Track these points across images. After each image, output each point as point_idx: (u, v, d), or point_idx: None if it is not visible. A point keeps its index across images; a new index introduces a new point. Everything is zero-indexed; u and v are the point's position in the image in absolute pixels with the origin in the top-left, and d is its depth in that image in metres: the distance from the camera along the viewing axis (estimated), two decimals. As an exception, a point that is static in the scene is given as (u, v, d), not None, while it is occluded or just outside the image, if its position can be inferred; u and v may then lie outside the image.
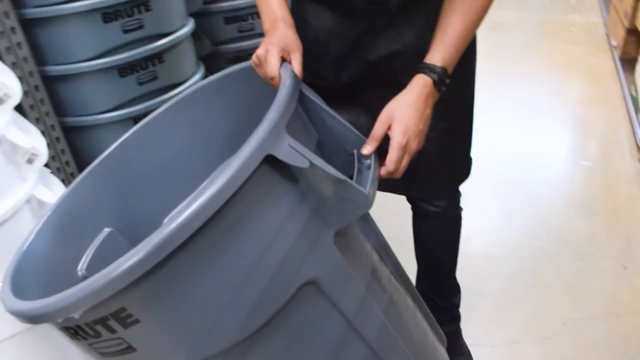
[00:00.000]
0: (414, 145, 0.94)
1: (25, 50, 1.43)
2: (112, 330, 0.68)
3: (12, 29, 1.40)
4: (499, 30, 3.79)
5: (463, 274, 1.53)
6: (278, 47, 0.93)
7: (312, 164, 0.74)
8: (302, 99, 0.90)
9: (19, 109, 1.45)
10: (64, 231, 0.95)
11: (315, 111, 0.93)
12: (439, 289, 1.49)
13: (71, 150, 1.57)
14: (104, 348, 0.72)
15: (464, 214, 1.40)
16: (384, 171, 0.92)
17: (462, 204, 1.39)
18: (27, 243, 0.90)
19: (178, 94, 1.19)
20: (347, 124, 0.96)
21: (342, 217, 0.82)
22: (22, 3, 1.44)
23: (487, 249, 1.94)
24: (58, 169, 1.55)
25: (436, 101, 1.11)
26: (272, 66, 0.92)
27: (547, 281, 1.78)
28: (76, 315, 0.66)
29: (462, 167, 1.28)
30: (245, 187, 0.69)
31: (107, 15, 1.45)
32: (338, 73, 1.12)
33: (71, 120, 1.57)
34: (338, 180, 0.78)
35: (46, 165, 1.50)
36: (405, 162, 0.94)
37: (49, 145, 1.51)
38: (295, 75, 0.88)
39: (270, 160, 0.72)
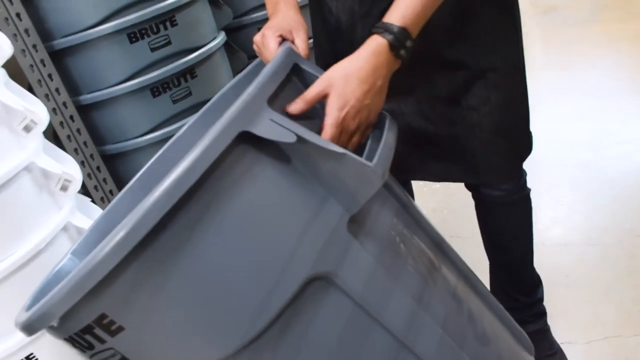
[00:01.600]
0: (352, 124, 0.80)
1: (56, 82, 1.43)
2: (101, 340, 0.65)
3: (42, 61, 1.40)
4: (554, 13, 3.65)
5: (544, 265, 1.39)
6: (274, 29, 0.90)
7: (300, 138, 0.67)
8: (305, 76, 0.84)
9: (57, 141, 1.45)
10: None
11: None
12: (518, 284, 1.35)
13: (113, 178, 1.54)
14: None
15: (537, 203, 1.27)
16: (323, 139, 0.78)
17: (529, 185, 1.25)
18: (61, 263, 0.90)
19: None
20: None
21: (350, 197, 0.73)
22: (50, 35, 1.44)
23: (568, 236, 1.76)
24: (102, 199, 1.52)
25: (486, 72, 1.03)
26: (270, 49, 0.88)
27: (646, 264, 1.58)
28: (55, 324, 0.64)
29: (523, 142, 1.15)
30: (218, 170, 0.64)
31: (133, 35, 1.43)
32: None
33: (110, 148, 1.55)
34: (336, 154, 0.70)
35: (89, 195, 1.49)
36: (345, 142, 0.80)
37: (89, 175, 1.49)
38: (288, 50, 0.83)
39: (251, 138, 0.67)
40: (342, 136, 0.79)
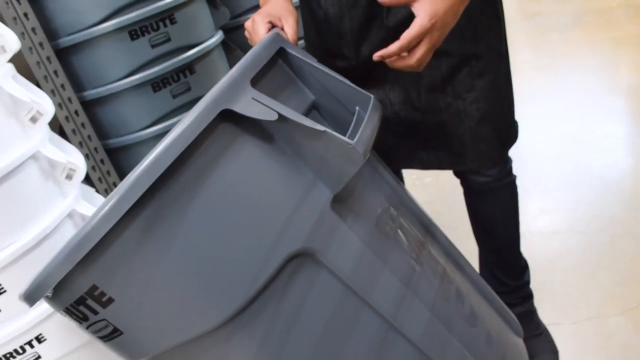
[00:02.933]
0: (436, 36, 0.83)
1: (62, 78, 1.47)
2: (94, 312, 0.68)
3: (48, 58, 1.45)
4: (538, 18, 3.75)
5: (531, 252, 1.44)
6: (263, 16, 0.93)
7: (282, 117, 0.69)
8: (292, 60, 0.86)
9: (62, 135, 1.49)
10: None
11: (309, 73, 0.88)
12: (505, 268, 1.39)
13: (116, 170, 1.59)
14: (97, 332, 0.71)
15: (525, 195, 1.33)
16: (394, 46, 0.82)
17: (517, 176, 1.30)
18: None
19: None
20: (347, 81, 0.90)
21: (333, 176, 0.75)
22: (55, 34, 1.49)
23: (554, 224, 1.82)
24: (106, 191, 1.56)
25: (470, 59, 1.06)
26: (259, 35, 0.91)
27: (625, 249, 1.64)
28: (50, 294, 0.67)
29: (508, 128, 1.18)
30: (202, 147, 0.67)
31: (134, 32, 1.48)
32: (358, 48, 1.06)
33: (113, 141, 1.59)
34: (316, 132, 0.72)
35: (94, 187, 1.53)
36: (421, 52, 0.83)
37: (94, 168, 1.54)
38: (274, 35, 0.85)
39: (234, 117, 0.69)
40: (422, 47, 0.83)
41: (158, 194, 0.64)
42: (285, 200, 0.72)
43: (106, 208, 0.62)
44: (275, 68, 0.83)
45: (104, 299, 0.67)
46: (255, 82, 0.74)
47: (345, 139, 0.73)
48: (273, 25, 0.93)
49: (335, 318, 0.77)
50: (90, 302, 0.67)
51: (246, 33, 0.96)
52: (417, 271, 0.89)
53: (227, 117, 0.69)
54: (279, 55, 0.85)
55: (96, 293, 0.66)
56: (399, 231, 0.92)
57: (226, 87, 0.69)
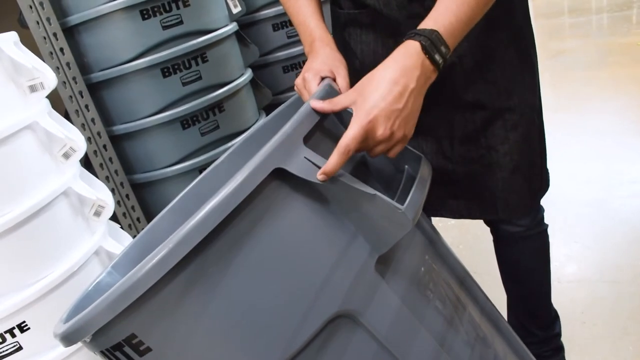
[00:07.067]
0: (380, 130, 0.74)
1: (92, 112, 1.49)
2: (129, 358, 0.67)
3: (80, 92, 1.47)
4: (563, 57, 3.74)
5: (560, 302, 1.40)
6: (314, 72, 0.90)
7: (332, 177, 0.69)
8: (342, 114, 0.85)
9: (89, 168, 1.50)
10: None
11: None
12: (535, 318, 1.36)
13: (141, 205, 1.58)
14: None
15: (551, 241, 1.29)
16: (333, 158, 0.71)
17: (546, 221, 1.28)
18: (101, 276, 0.91)
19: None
20: None
21: (380, 238, 0.73)
22: (88, 68, 1.51)
23: (583, 273, 1.77)
24: (130, 226, 1.56)
25: (504, 112, 1.07)
26: (311, 93, 0.89)
27: (660, 302, 1.59)
28: (87, 339, 0.67)
29: (540, 179, 1.17)
30: (252, 204, 0.66)
31: (166, 69, 1.49)
32: None
33: (139, 176, 1.59)
34: (367, 195, 0.70)
35: (118, 221, 1.53)
36: (369, 149, 0.76)
37: (119, 202, 1.54)
38: (325, 88, 0.84)
39: (285, 175, 0.68)
40: (367, 142, 0.75)
41: (204, 249, 0.64)
42: (331, 262, 0.71)
43: (154, 261, 0.61)
44: (327, 122, 0.82)
45: (142, 348, 0.66)
46: (307, 137, 0.73)
47: (395, 204, 0.71)
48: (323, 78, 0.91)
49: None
50: (127, 349, 0.67)
51: (296, 89, 0.94)
52: (453, 329, 0.87)
53: (279, 175, 0.68)
54: None
55: (134, 341, 0.66)
56: (436, 286, 0.90)
57: (280, 145, 0.68)
